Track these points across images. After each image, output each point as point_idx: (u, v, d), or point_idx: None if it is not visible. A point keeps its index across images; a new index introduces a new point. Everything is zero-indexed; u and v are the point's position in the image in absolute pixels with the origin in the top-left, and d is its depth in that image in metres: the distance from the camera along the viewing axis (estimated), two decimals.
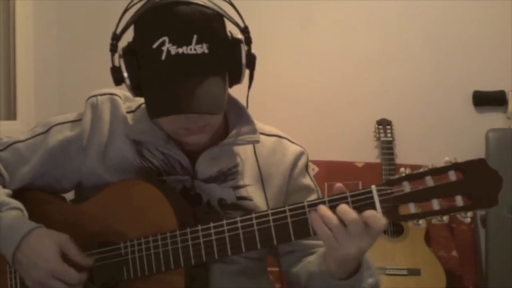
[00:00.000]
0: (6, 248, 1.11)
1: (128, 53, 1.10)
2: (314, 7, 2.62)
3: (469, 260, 2.31)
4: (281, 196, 1.25)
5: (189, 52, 1.04)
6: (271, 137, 1.28)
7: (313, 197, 1.27)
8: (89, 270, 1.14)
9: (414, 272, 2.08)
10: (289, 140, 1.29)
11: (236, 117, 1.23)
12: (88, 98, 1.25)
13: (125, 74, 1.10)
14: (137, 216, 1.14)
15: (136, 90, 1.12)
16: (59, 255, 1.10)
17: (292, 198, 1.24)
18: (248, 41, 1.14)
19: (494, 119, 2.47)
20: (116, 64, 1.12)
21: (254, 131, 1.22)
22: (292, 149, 1.27)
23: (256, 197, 1.22)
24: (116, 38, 1.13)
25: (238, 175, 1.22)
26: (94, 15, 2.68)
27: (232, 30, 1.15)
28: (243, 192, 1.21)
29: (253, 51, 1.15)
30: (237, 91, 1.23)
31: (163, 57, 1.04)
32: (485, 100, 2.48)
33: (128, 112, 1.24)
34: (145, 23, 1.08)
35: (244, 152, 1.24)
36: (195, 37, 1.04)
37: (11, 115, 2.49)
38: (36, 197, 1.23)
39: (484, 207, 0.97)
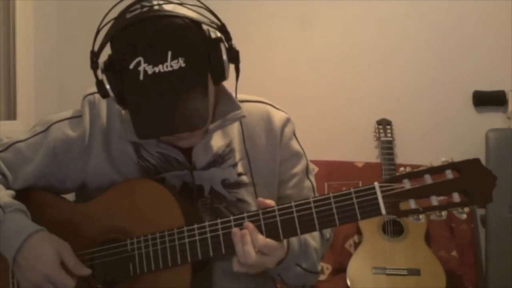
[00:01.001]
0: (8, 250, 1.12)
1: (108, 68, 1.09)
2: (314, 7, 2.62)
3: (469, 260, 2.31)
4: (275, 163, 1.26)
5: (165, 69, 1.03)
6: (257, 103, 1.29)
7: (302, 163, 1.29)
8: (92, 268, 1.14)
9: (414, 272, 2.08)
10: (274, 107, 1.30)
11: (215, 95, 1.21)
12: (85, 96, 1.25)
13: (108, 87, 1.09)
14: (143, 214, 1.15)
15: (121, 102, 1.11)
16: (57, 261, 1.11)
17: (285, 165, 1.27)
18: (228, 37, 1.11)
19: (494, 119, 2.47)
20: (100, 78, 1.11)
21: (236, 106, 1.21)
22: (278, 116, 1.28)
23: (245, 171, 1.23)
24: (94, 56, 1.11)
25: (233, 153, 1.23)
26: (94, 15, 2.68)
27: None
28: (239, 168, 1.23)
29: (235, 46, 1.12)
30: (230, 86, 1.22)
31: (141, 77, 1.04)
32: (485, 100, 2.48)
33: (123, 109, 1.24)
34: (119, 43, 1.07)
35: (232, 127, 1.24)
36: (169, 53, 1.03)
37: (11, 115, 2.49)
38: (40, 197, 1.23)
39: (479, 203, 1.02)
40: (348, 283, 2.10)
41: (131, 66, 1.04)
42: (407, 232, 2.20)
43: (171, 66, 1.03)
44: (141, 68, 1.03)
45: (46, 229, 1.15)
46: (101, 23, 1.10)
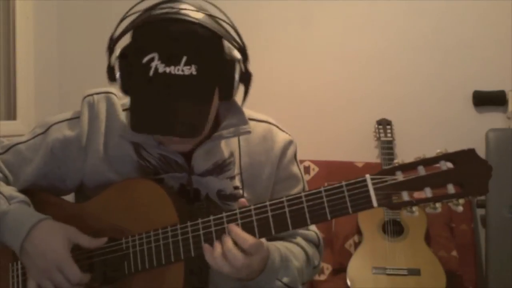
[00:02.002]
0: (15, 238, 1.13)
1: (122, 56, 1.11)
2: (314, 7, 2.62)
3: (469, 260, 2.30)
4: (270, 183, 1.26)
5: (176, 72, 1.04)
6: (261, 123, 1.29)
7: (299, 187, 1.30)
8: (91, 266, 1.15)
9: (414, 272, 2.08)
10: (278, 128, 1.30)
11: (225, 107, 1.23)
12: (85, 97, 1.25)
13: (117, 75, 1.11)
14: (140, 213, 1.15)
15: (125, 91, 1.13)
16: (68, 248, 1.12)
17: (279, 186, 1.27)
18: (245, 59, 1.13)
19: (494, 119, 2.47)
20: (112, 63, 1.13)
21: (244, 121, 1.22)
22: (281, 137, 1.29)
23: (241, 185, 1.24)
24: (113, 41, 1.14)
25: (232, 166, 1.23)
26: (94, 15, 2.69)
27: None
28: (236, 182, 1.23)
29: (250, 70, 1.14)
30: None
31: (151, 73, 1.05)
32: (485, 100, 2.48)
33: (124, 110, 1.24)
34: (138, 35, 1.09)
35: (234, 141, 1.25)
36: (184, 58, 1.04)
37: (11, 115, 2.49)
38: (40, 197, 1.24)
39: (475, 194, 1.00)
40: (348, 283, 2.09)
41: (144, 61, 1.05)
42: (407, 232, 2.19)
43: (182, 71, 1.05)
44: (153, 64, 1.05)
45: (52, 218, 1.16)
46: (128, 11, 1.12)
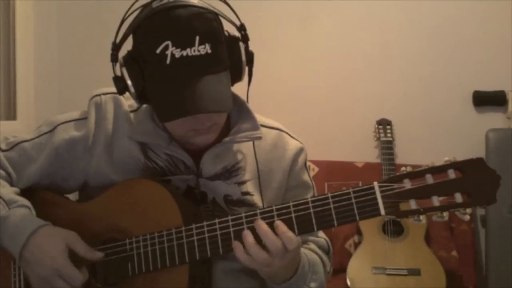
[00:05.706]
0: (14, 246, 1.12)
1: (129, 61, 1.10)
2: (314, 7, 2.62)
3: (469, 260, 2.31)
4: (281, 191, 1.26)
5: (193, 53, 1.05)
6: (272, 130, 1.29)
7: (309, 194, 1.29)
8: (93, 267, 1.15)
9: (414, 272, 2.09)
10: (289, 135, 1.30)
11: (237, 113, 1.24)
12: (92, 97, 1.25)
13: (129, 82, 1.10)
14: (143, 214, 1.15)
15: (140, 98, 1.13)
16: (66, 254, 1.11)
17: (290, 194, 1.26)
18: (245, 38, 1.15)
19: (494, 119, 2.47)
20: (118, 73, 1.12)
21: (255, 127, 1.22)
22: (293, 145, 1.28)
23: (255, 192, 1.23)
24: (115, 48, 1.13)
25: (242, 171, 1.23)
26: (94, 15, 2.69)
27: (228, 29, 1.15)
28: (246, 187, 1.23)
29: (250, 48, 1.16)
30: (237, 90, 1.23)
31: (168, 61, 1.05)
32: (485, 100, 2.48)
33: (131, 111, 1.24)
34: (145, 30, 1.08)
35: (245, 146, 1.25)
36: (197, 38, 1.05)
37: (11, 115, 2.49)
38: (42, 196, 1.23)
39: (482, 204, 1.00)
40: (348, 283, 2.10)
41: (158, 51, 1.05)
42: (407, 232, 2.20)
43: (199, 51, 1.05)
44: (168, 52, 1.05)
45: (51, 224, 1.15)
46: (125, 14, 1.12)
